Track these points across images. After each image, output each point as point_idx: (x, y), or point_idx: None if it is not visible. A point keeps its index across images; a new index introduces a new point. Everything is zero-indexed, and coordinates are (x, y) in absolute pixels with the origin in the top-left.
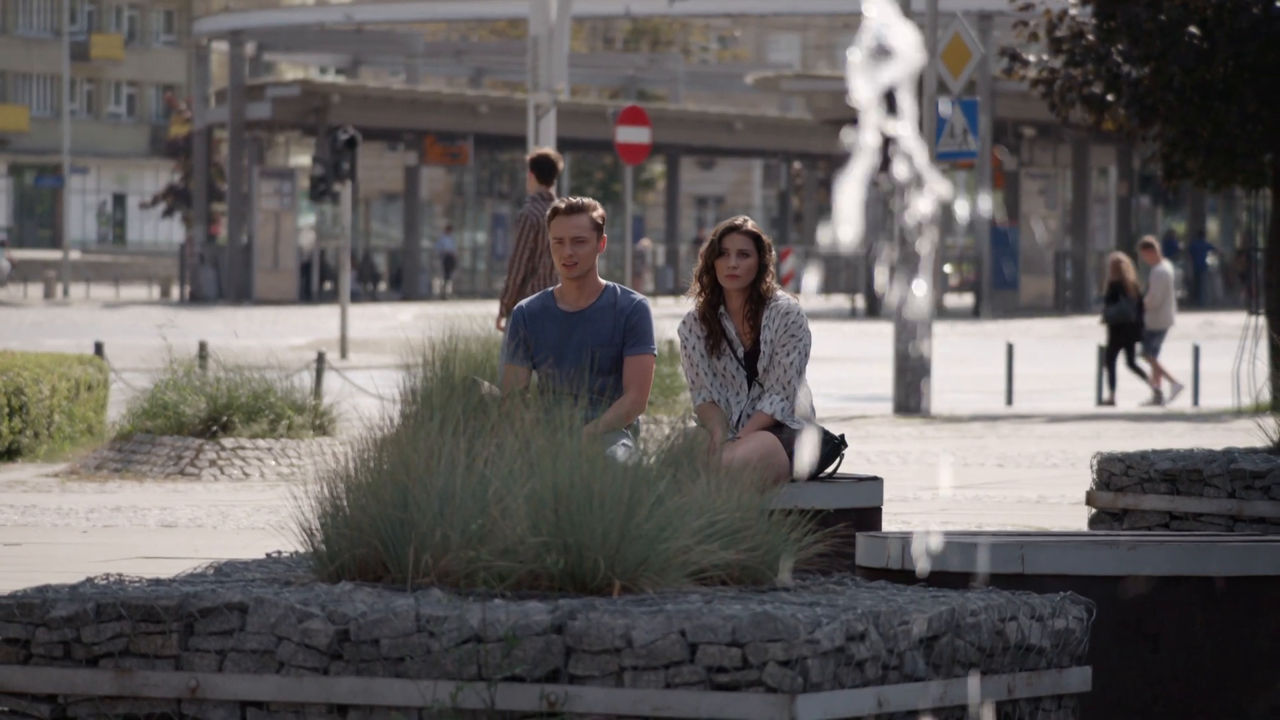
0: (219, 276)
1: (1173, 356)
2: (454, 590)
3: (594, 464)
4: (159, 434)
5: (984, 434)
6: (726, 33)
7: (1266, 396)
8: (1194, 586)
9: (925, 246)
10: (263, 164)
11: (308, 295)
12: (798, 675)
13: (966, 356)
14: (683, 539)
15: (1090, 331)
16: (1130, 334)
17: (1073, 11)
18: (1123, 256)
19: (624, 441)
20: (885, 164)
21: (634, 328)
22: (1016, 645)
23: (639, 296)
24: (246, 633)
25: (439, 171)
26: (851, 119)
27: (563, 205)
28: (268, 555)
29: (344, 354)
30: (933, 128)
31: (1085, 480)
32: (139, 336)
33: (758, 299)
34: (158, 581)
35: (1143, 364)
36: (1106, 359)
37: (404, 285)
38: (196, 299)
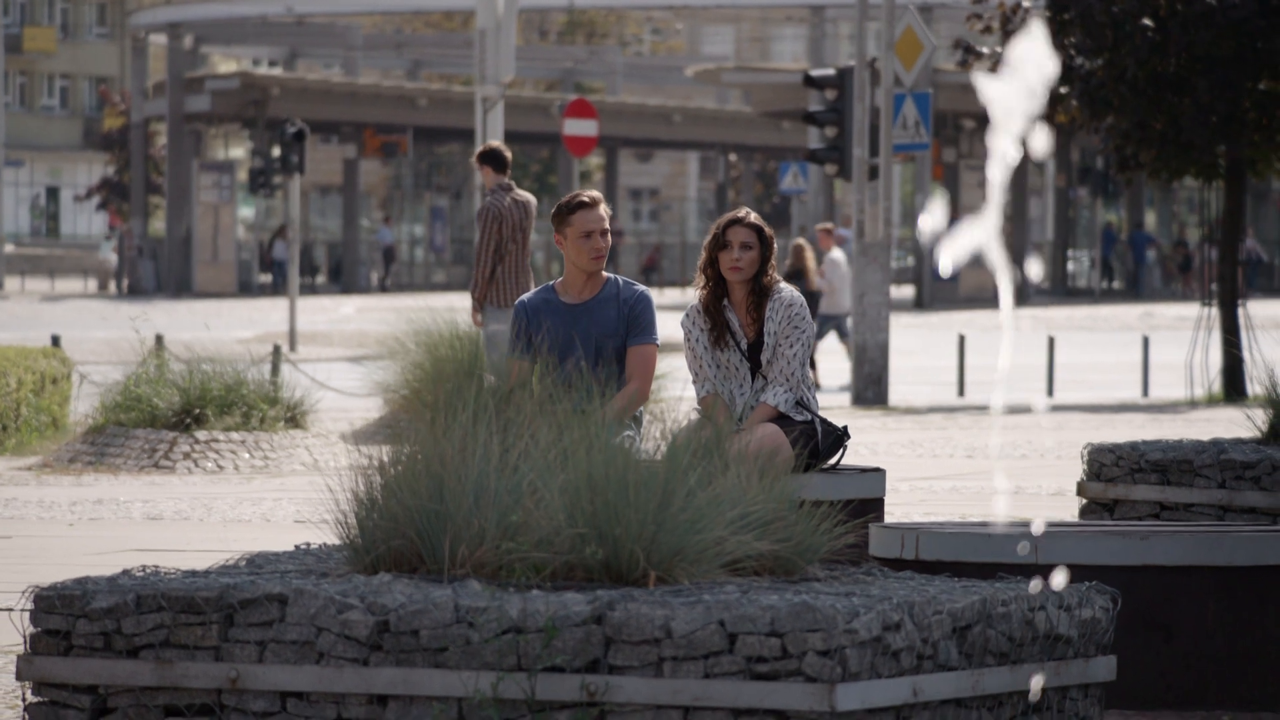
0: (158, 269)
1: (1120, 348)
2: (490, 581)
3: (628, 455)
4: (132, 427)
5: (945, 425)
6: (664, 24)
7: (1219, 388)
8: (1206, 576)
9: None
10: (201, 157)
11: (247, 288)
12: (836, 665)
13: (913, 348)
14: (717, 530)
15: (1032, 323)
16: None
17: (1026, 4)
18: (803, 242)
19: (628, 433)
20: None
21: (637, 318)
22: (1045, 635)
23: (641, 287)
24: (286, 624)
25: (375, 164)
26: (791, 112)
27: (586, 199)
28: (297, 547)
29: (293, 347)
30: (889, 119)
31: (1057, 470)
32: (85, 329)
33: (760, 291)
34: (194, 573)
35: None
36: None
37: (343, 278)
38: (135, 292)
